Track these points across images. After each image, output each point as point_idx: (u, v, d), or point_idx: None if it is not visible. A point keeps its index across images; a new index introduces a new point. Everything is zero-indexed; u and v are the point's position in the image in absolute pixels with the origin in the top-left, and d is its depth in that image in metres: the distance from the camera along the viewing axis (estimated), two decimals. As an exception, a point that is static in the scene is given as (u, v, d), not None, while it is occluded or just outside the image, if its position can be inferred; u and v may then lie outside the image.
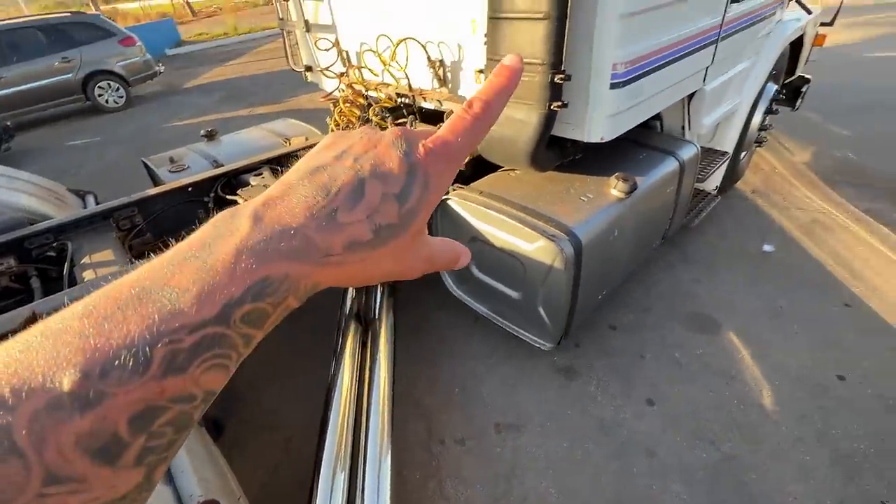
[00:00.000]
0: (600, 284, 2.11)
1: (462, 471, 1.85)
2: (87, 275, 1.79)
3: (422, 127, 2.43)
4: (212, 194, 2.46)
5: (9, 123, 6.47)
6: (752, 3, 2.51)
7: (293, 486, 1.75)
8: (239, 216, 0.27)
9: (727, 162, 2.98)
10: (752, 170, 3.83)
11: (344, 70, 2.65)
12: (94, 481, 0.20)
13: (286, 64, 3.11)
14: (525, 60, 1.62)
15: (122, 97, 8.21)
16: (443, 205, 2.12)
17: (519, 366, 2.28)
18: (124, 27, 9.26)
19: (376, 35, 2.26)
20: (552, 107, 1.68)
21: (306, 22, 2.69)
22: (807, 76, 3.77)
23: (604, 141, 1.89)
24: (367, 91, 2.59)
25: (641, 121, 2.06)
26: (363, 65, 2.49)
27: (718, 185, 3.09)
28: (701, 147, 2.47)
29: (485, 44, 1.79)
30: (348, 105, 2.62)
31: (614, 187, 1.97)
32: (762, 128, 3.31)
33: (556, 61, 1.60)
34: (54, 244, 1.98)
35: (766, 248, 2.96)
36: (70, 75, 7.60)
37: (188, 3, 22.61)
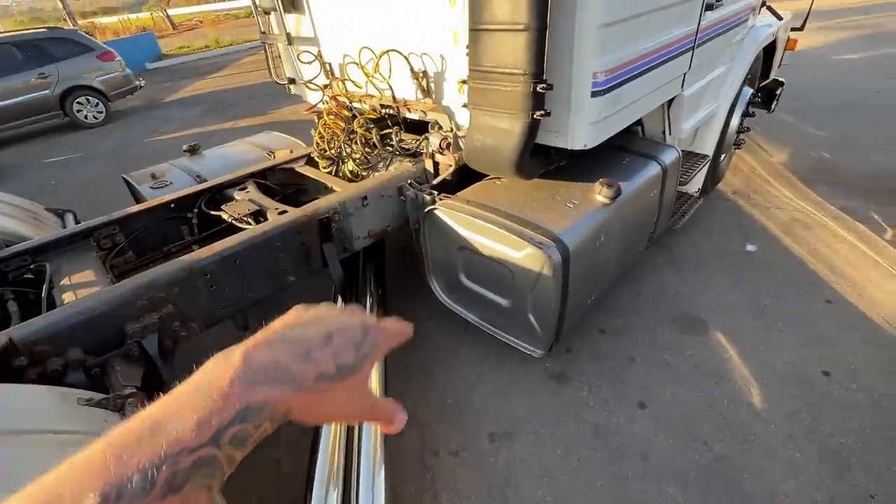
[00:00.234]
0: (589, 289, 2.13)
1: (457, 483, 1.84)
2: (67, 297, 1.74)
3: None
4: (195, 210, 2.42)
5: (-17, 142, 6.32)
6: (726, 10, 2.58)
7: (285, 506, 1.71)
8: (233, 354, 0.34)
9: (708, 164, 3.04)
10: (732, 171, 3.92)
11: (327, 82, 2.64)
12: None
13: (269, 76, 3.10)
14: (507, 71, 1.66)
15: (101, 112, 8.09)
16: (430, 215, 2.12)
17: (511, 372, 2.28)
18: (103, 41, 9.17)
19: (359, 47, 2.26)
20: (535, 116, 1.70)
21: (288, 35, 2.69)
22: (780, 79, 3.89)
23: (587, 148, 1.91)
24: (351, 103, 2.59)
25: (623, 127, 2.10)
26: (346, 77, 2.50)
27: (700, 187, 3.15)
28: (682, 151, 2.52)
29: (467, 55, 1.81)
30: (332, 117, 2.61)
31: (599, 193, 1.99)
32: (740, 130, 3.40)
33: (537, 71, 1.62)
34: (32, 266, 1.92)
35: (749, 247, 3.02)
36: (47, 91, 7.47)
37: (168, 17, 22.45)
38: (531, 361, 2.27)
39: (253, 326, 0.42)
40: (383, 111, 2.48)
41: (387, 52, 2.18)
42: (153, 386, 1.46)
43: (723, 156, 3.37)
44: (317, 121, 2.77)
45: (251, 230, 1.91)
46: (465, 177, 2.26)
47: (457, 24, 1.91)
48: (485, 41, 1.71)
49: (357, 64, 2.32)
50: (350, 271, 2.46)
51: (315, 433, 1.71)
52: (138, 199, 2.69)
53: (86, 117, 7.94)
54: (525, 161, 1.88)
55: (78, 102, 7.80)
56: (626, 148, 2.45)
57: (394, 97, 2.33)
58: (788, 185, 3.68)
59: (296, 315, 0.41)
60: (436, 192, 2.18)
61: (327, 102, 2.68)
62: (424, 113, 2.30)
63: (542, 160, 2.10)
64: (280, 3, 2.53)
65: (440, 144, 2.25)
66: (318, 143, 2.74)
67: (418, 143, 2.41)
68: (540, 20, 1.54)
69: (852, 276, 2.67)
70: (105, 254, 2.11)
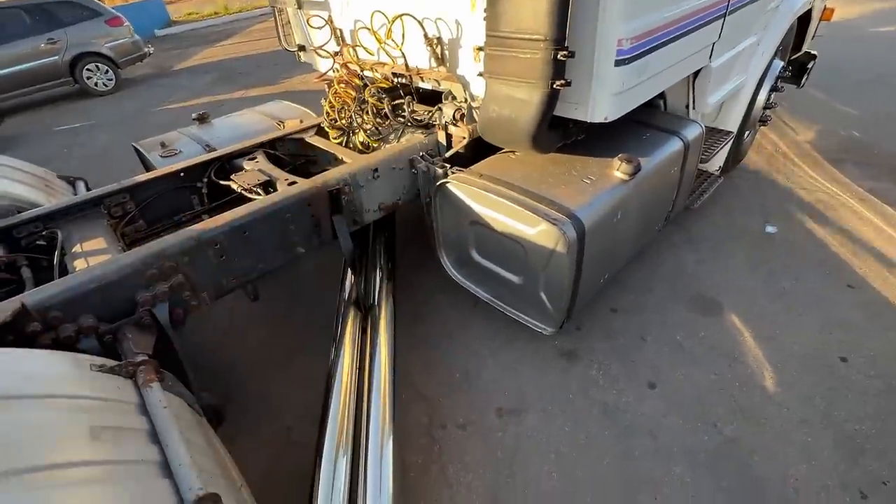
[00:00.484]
0: (603, 268, 2.08)
1: (464, 456, 1.85)
2: (79, 264, 1.74)
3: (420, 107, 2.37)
4: (205, 179, 2.40)
5: (-5, 108, 6.32)
6: (762, -26, 2.42)
7: (295, 473, 1.74)
8: None
9: (731, 142, 2.92)
10: (755, 149, 3.77)
11: (338, 49, 2.55)
12: None
13: (278, 44, 3.00)
14: (527, 37, 1.57)
15: (111, 80, 8.02)
16: (442, 188, 2.07)
17: (521, 349, 2.27)
18: (111, 6, 8.99)
19: (371, 11, 2.16)
20: (555, 85, 1.61)
21: (297, -2, 2.58)
22: (813, 52, 3.68)
23: (608, 121, 1.83)
24: (362, 71, 2.50)
25: (646, 99, 2.00)
26: (358, 43, 2.40)
27: (721, 165, 3.03)
28: (705, 126, 2.41)
29: (484, 20, 1.71)
30: (343, 86, 2.53)
31: (618, 169, 1.92)
32: (767, 106, 3.24)
33: (559, 37, 1.53)
34: (44, 233, 1.93)
35: (769, 229, 2.92)
36: (56, 57, 7.40)
37: (176, -18, 21.91)
38: (541, 338, 2.25)
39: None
40: (395, 80, 2.40)
41: (400, 16, 2.09)
42: (164, 354, 1.47)
43: (747, 132, 3.23)
44: (327, 90, 2.70)
45: (261, 201, 1.88)
46: (478, 150, 2.20)
47: (474, -14, 1.81)
48: (504, 5, 1.61)
49: (369, 29, 2.23)
50: (360, 244, 2.44)
51: (325, 402, 1.73)
52: (148, 167, 2.67)
53: (96, 84, 7.88)
54: (542, 134, 1.81)
55: (88, 69, 7.73)
56: (646, 122, 2.35)
57: (406, 65, 2.25)
58: (814, 164, 3.54)
59: None
60: (448, 166, 2.12)
61: (338, 71, 2.60)
62: (438, 82, 2.22)
63: (559, 133, 2.02)
64: (289, -37, 2.42)
65: (454, 115, 2.17)
66: (328, 112, 2.67)
67: (431, 114, 2.34)
68: (564, -20, 1.44)
69: (877, 261, 2.58)
70: (116, 222, 2.11)
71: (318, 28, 2.52)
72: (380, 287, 2.24)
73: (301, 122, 2.87)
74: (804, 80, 3.71)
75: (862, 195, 3.13)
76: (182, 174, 2.33)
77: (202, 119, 2.99)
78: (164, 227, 2.29)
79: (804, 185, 3.31)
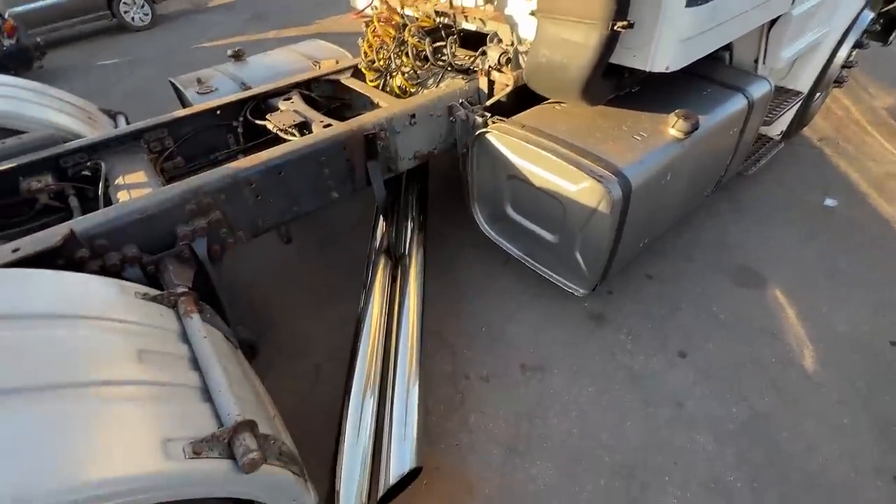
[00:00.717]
0: (645, 232, 1.99)
1: (486, 406, 1.89)
2: (122, 195, 1.78)
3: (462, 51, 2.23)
4: (241, 118, 2.37)
5: (39, 41, 6.39)
6: None
7: (323, 409, 1.82)
8: None
9: (800, 103, 2.66)
10: (823, 114, 3.44)
11: (378, -18, 2.40)
12: None
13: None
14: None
15: (147, 15, 7.97)
16: (480, 138, 1.98)
17: (548, 307, 2.24)
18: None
19: (416, -61, 2.00)
20: (615, 27, 1.47)
21: (338, -76, 2.41)
22: (909, 4, 3.23)
23: (668, 71, 1.67)
24: (403, 8, 2.35)
25: (714, 48, 1.81)
26: (400, -24, 2.25)
27: (784, 129, 2.79)
28: (774, 85, 2.19)
29: (542, -52, 1.55)
30: (382, 24, 2.40)
31: (673, 126, 1.78)
32: (846, 65, 2.91)
33: (626, -30, 1.37)
34: (88, 163, 1.97)
35: (829, 202, 2.71)
36: (95, -11, 7.34)
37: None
38: (571, 299, 2.21)
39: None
40: (437, 20, 2.25)
41: (447, -56, 1.92)
42: (202, 288, 1.51)
43: (818, 94, 2.93)
44: (365, 28, 2.57)
45: (296, 142, 1.85)
46: (521, 100, 2.07)
47: None
48: (566, -70, 1.45)
49: (413, -40, 2.07)
50: (392, 192, 2.40)
51: (354, 345, 1.77)
52: (185, 103, 2.66)
53: (133, 19, 7.84)
54: (594, 83, 1.68)
55: (125, 3, 7.68)
56: (708, 76, 2.15)
57: (451, 2, 2.09)
58: (889, 134, 3.21)
59: None
60: (488, 115, 2.01)
61: (377, 8, 2.45)
62: (483, 22, 2.07)
63: (612, 84, 1.87)
64: None
65: (498, 60, 2.03)
66: (365, 52, 2.55)
67: (473, 58, 2.20)
68: None
69: (947, 243, 2.38)
70: (155, 157, 2.13)
71: (359, -42, 2.36)
72: (411, 237, 2.22)
73: (337, 62, 2.77)
74: (893, 37, 3.29)
75: (940, 171, 2.85)
76: (218, 111, 2.31)
77: (237, 56, 2.93)
78: (201, 164, 2.31)
79: (875, 156, 3.03)
